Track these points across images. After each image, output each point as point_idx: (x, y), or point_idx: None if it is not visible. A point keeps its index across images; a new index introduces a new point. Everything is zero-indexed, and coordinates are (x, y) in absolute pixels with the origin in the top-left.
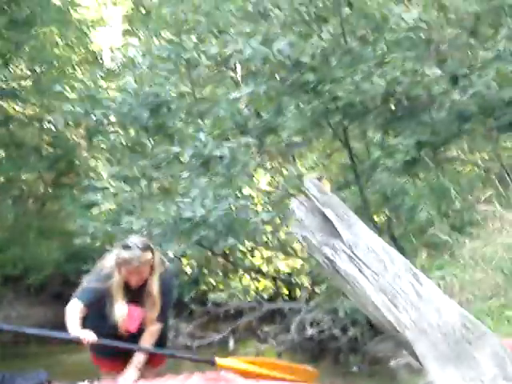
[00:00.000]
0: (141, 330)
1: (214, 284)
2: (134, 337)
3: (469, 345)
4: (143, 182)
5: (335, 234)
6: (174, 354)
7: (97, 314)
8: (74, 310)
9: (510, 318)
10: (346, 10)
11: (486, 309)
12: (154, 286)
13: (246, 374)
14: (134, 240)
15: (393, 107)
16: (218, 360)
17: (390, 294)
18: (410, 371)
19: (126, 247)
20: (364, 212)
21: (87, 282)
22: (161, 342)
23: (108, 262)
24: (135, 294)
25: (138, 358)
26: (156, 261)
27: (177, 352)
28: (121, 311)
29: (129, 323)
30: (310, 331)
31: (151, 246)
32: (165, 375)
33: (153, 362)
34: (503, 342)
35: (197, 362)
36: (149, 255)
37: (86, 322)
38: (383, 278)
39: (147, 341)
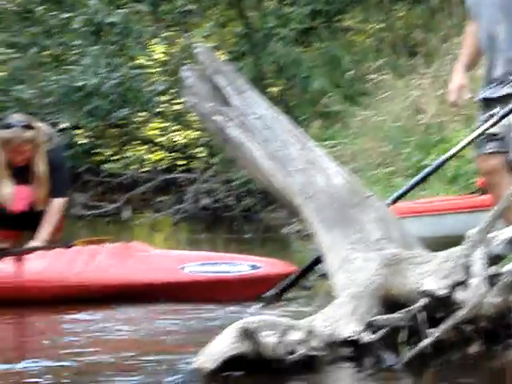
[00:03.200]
0: (31, 209)
1: (109, 155)
2: (26, 215)
3: (354, 208)
4: (33, 50)
5: (226, 101)
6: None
7: None
8: None
9: (397, 186)
10: None
11: (375, 176)
12: (40, 165)
13: None
14: (15, 118)
15: None
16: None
17: (278, 161)
18: (300, 238)
19: (6, 126)
20: (259, 82)
21: None
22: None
23: None
24: (23, 174)
25: (49, 226)
26: (40, 138)
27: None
28: (5, 190)
29: (16, 202)
30: (204, 201)
31: (32, 123)
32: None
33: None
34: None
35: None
36: (30, 133)
37: None
38: (272, 144)
39: (51, 218)
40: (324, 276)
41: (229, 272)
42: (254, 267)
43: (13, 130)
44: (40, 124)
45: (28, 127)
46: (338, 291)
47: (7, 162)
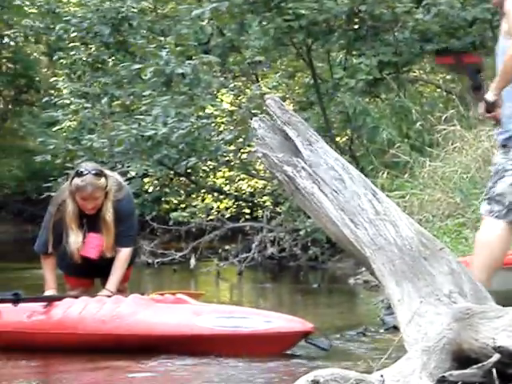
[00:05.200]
0: (102, 258)
1: (176, 203)
2: (96, 264)
3: (425, 261)
4: (104, 100)
5: (296, 152)
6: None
7: (62, 246)
8: (45, 267)
9: (468, 237)
10: None
11: (444, 228)
12: (108, 213)
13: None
14: (87, 166)
15: (356, 27)
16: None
17: (348, 212)
18: (368, 289)
19: (79, 174)
20: (326, 132)
21: (44, 222)
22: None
23: (62, 192)
24: (93, 222)
25: (117, 276)
26: (110, 186)
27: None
28: (74, 240)
29: (88, 251)
30: (270, 250)
31: (104, 171)
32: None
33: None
34: (460, 260)
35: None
36: (102, 180)
37: (58, 258)
38: (342, 195)
39: (119, 267)
40: (395, 329)
41: (241, 327)
42: (267, 323)
43: (85, 177)
44: (110, 172)
45: (100, 175)
46: (408, 345)
47: (78, 211)
